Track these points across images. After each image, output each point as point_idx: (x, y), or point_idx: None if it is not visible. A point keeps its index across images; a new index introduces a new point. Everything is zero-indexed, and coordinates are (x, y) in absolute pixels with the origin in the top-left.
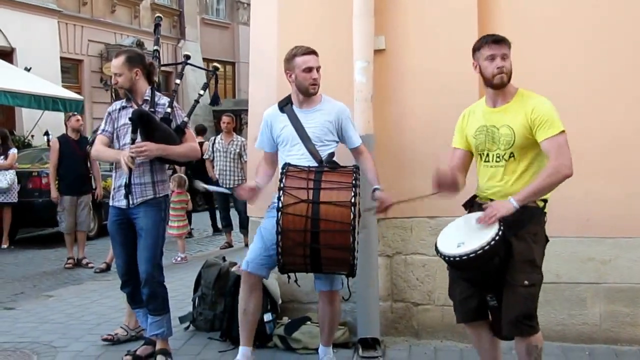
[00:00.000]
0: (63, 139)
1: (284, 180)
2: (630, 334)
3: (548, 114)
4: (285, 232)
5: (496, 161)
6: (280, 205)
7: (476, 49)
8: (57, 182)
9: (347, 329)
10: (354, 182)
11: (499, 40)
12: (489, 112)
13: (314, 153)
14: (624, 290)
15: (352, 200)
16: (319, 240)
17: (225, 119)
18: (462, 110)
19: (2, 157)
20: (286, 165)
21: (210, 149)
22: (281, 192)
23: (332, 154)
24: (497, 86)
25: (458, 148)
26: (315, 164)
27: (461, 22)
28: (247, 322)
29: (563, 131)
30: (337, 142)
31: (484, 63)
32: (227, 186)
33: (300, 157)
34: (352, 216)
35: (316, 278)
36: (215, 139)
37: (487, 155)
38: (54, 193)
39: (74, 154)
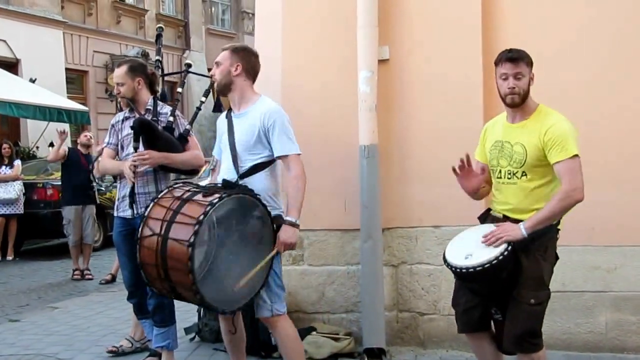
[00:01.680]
0: (72, 149)
1: (149, 208)
2: (636, 342)
3: (562, 136)
4: (143, 265)
5: (508, 178)
6: (138, 236)
7: (495, 64)
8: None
9: (352, 339)
10: (201, 217)
11: (513, 59)
12: (507, 127)
13: (235, 164)
14: (630, 298)
15: (191, 240)
16: (170, 277)
17: None
18: (465, 120)
19: (8, 167)
20: (173, 185)
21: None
22: (141, 221)
23: (255, 167)
24: (511, 106)
25: (478, 161)
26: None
27: (465, 32)
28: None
29: (576, 155)
30: (270, 153)
31: (498, 81)
32: None
33: (225, 169)
34: (188, 256)
35: None
36: None
37: (500, 171)
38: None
39: (80, 164)
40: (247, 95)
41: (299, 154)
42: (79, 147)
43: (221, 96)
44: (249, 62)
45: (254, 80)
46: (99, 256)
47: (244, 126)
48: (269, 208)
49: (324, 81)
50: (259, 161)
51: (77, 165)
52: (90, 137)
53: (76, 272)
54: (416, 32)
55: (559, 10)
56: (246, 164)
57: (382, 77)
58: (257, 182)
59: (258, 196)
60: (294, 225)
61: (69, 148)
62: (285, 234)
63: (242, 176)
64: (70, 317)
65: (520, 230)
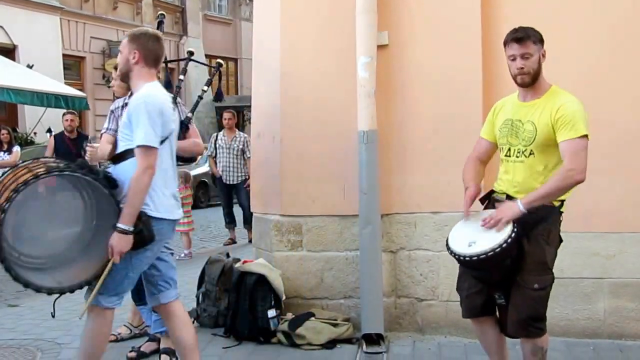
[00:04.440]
0: (59, 137)
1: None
2: (634, 328)
3: (572, 115)
4: None
5: (516, 156)
6: None
7: (503, 45)
8: None
9: (351, 324)
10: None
11: (520, 39)
12: (518, 106)
13: (116, 148)
14: (628, 285)
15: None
16: None
17: (226, 115)
18: (465, 105)
19: (6, 153)
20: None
21: (213, 145)
22: None
23: (125, 152)
24: (521, 85)
25: (484, 138)
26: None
27: (465, 17)
28: None
29: (585, 135)
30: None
31: (508, 62)
32: (231, 182)
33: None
34: None
35: None
36: (217, 135)
37: (509, 149)
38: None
39: (69, 152)
40: (140, 82)
41: (150, 147)
42: (65, 131)
43: (124, 83)
44: (147, 48)
45: (156, 66)
46: None
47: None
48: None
49: (322, 67)
50: (128, 147)
51: (65, 152)
52: (72, 119)
53: None
54: (415, 17)
55: None
56: (119, 148)
57: (381, 63)
58: (123, 170)
59: (90, 177)
60: (123, 232)
61: (54, 136)
62: (112, 240)
63: (114, 159)
64: (69, 302)
65: (518, 207)
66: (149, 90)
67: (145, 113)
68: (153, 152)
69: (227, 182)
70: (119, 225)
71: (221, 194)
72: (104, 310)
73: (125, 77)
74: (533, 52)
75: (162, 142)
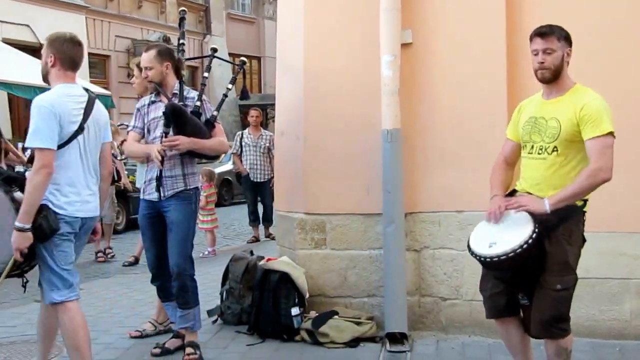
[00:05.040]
0: None
1: None
2: None
3: (597, 112)
4: None
5: (538, 153)
6: None
7: (529, 40)
8: None
9: (374, 323)
10: None
11: (543, 34)
12: (542, 103)
13: None
14: None
15: None
16: None
17: (253, 112)
18: (489, 104)
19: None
20: None
21: (238, 143)
22: None
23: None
24: (541, 81)
25: (509, 139)
26: None
27: (489, 16)
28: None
29: (610, 133)
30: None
31: (531, 57)
32: (258, 180)
33: None
34: None
35: None
36: (242, 133)
37: (532, 147)
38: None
39: None
40: (57, 84)
41: (43, 148)
42: None
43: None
44: (62, 51)
45: (73, 68)
46: (122, 239)
47: None
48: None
49: (346, 65)
50: None
51: None
52: None
53: (99, 255)
54: (439, 15)
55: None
56: None
57: (405, 61)
58: None
59: None
60: (19, 229)
61: None
62: (12, 237)
63: (29, 160)
64: (93, 298)
65: (544, 205)
66: (50, 93)
67: (38, 115)
68: (46, 152)
69: (254, 180)
70: (16, 223)
71: (247, 192)
72: (65, 304)
73: (45, 79)
74: (556, 48)
75: (68, 142)
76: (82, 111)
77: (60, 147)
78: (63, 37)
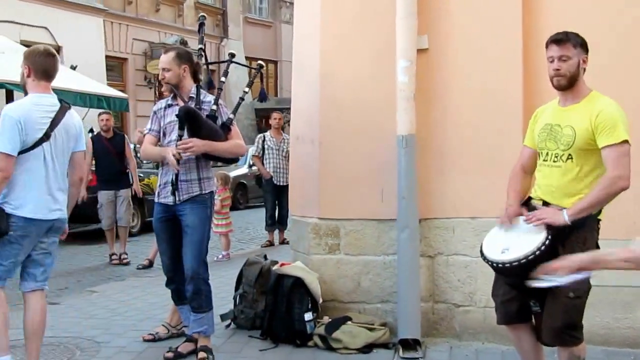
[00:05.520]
0: (96, 138)
1: None
2: None
3: (612, 120)
4: None
5: (553, 161)
6: None
7: (545, 47)
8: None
9: (387, 329)
10: None
11: (559, 41)
12: (558, 111)
13: None
14: None
15: None
16: None
17: (275, 115)
18: (505, 111)
19: None
20: None
21: (260, 145)
22: None
23: None
24: (557, 88)
25: (527, 147)
26: None
27: (505, 23)
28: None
29: (626, 141)
30: None
31: (547, 64)
32: (281, 183)
33: None
34: None
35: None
36: (264, 136)
37: (547, 154)
38: (82, 192)
39: (107, 152)
40: (32, 93)
41: (1, 153)
42: (101, 132)
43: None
44: (35, 63)
45: (47, 78)
46: (137, 242)
47: None
48: None
49: (362, 70)
50: None
51: (103, 151)
52: (107, 118)
53: (114, 257)
54: (456, 21)
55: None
56: None
57: (421, 67)
58: None
59: None
60: None
61: (91, 137)
62: None
63: None
64: (108, 301)
65: (563, 217)
66: (20, 102)
67: (2, 123)
68: (5, 158)
69: (277, 184)
70: None
71: (268, 195)
72: None
73: (24, 88)
74: (572, 55)
75: (32, 147)
76: (50, 120)
77: (24, 152)
78: (37, 51)
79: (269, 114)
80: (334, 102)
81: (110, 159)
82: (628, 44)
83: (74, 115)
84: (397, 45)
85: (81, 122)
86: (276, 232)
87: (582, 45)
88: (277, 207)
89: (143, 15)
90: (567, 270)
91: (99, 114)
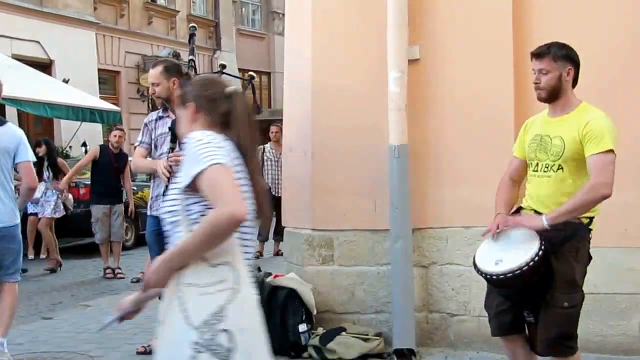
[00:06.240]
0: (104, 148)
1: None
2: None
3: (599, 130)
4: None
5: (544, 171)
6: None
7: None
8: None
9: (382, 339)
10: None
11: (538, 55)
12: (547, 122)
13: None
14: None
15: None
16: None
17: (273, 128)
18: (496, 120)
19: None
20: None
21: (259, 157)
22: None
23: None
24: (539, 100)
25: (516, 157)
26: None
27: (496, 33)
28: None
29: (611, 150)
30: None
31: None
32: (279, 195)
33: None
34: None
35: None
36: (264, 148)
37: (537, 164)
38: (62, 185)
39: (109, 165)
40: None
41: None
42: (109, 145)
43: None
44: None
45: None
46: (131, 255)
47: None
48: None
49: (354, 80)
50: None
51: (107, 165)
52: (120, 135)
53: (108, 271)
54: (447, 32)
55: (595, 5)
56: None
57: (412, 77)
58: None
59: None
60: None
61: (100, 146)
62: None
63: None
64: (102, 315)
65: (542, 221)
66: None
67: None
68: None
69: (276, 195)
70: None
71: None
72: None
73: None
74: (551, 68)
75: None
76: None
77: None
78: None
79: (263, 125)
80: (326, 113)
81: (109, 173)
82: (621, 50)
83: (10, 128)
84: (388, 56)
85: (20, 134)
86: (267, 243)
87: (566, 57)
88: (275, 218)
89: (135, 28)
90: None
91: (113, 129)
